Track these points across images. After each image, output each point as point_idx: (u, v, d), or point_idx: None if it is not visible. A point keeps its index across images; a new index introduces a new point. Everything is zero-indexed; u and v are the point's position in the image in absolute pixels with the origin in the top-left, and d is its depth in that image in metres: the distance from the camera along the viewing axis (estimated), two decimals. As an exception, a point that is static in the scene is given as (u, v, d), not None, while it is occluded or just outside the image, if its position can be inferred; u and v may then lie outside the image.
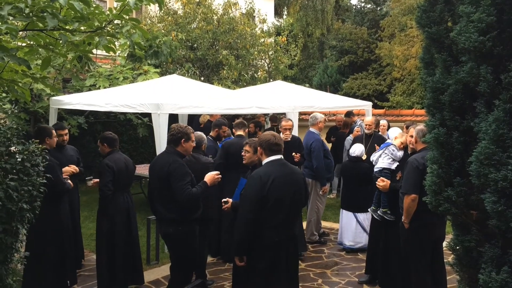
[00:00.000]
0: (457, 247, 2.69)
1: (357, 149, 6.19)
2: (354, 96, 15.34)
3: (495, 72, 2.40)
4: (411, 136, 4.59)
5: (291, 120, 6.64)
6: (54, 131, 5.04)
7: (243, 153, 4.43)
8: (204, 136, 5.23)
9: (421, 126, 4.43)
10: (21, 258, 3.27)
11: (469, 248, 2.58)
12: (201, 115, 8.93)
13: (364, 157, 6.48)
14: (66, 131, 5.56)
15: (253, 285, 3.60)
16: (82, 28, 3.20)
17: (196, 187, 4.11)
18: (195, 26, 12.66)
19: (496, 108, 2.33)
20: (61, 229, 4.83)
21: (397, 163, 5.03)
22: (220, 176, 4.40)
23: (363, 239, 6.28)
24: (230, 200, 4.13)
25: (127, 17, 3.29)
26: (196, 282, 4.12)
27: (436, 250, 4.41)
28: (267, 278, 3.55)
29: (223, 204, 4.17)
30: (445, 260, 4.36)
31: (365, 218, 6.23)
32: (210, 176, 4.30)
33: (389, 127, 8.15)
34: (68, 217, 5.03)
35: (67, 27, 3.10)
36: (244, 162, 4.43)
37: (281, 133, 6.20)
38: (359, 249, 6.30)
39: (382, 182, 4.86)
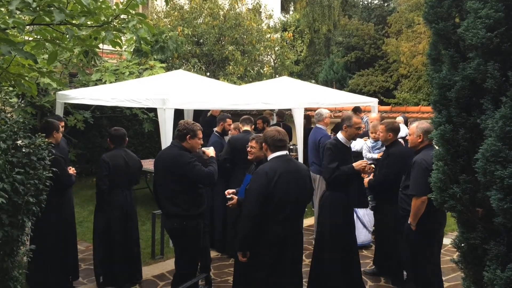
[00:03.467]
0: (462, 245, 2.68)
1: (357, 144, 6.18)
2: (360, 92, 15.27)
3: (503, 69, 2.38)
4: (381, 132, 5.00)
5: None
6: (61, 122, 5.07)
7: (248, 149, 4.43)
8: None
9: (425, 124, 4.41)
10: (27, 251, 3.30)
11: (474, 246, 2.57)
12: (209, 110, 8.93)
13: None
14: (63, 123, 5.58)
15: (257, 280, 3.61)
16: (88, 22, 3.20)
17: (211, 165, 4.30)
18: (201, 21, 12.67)
19: (503, 105, 2.31)
20: (64, 222, 4.88)
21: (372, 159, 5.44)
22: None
23: (362, 235, 6.26)
24: (235, 196, 4.11)
25: (134, 12, 3.30)
26: (201, 276, 4.13)
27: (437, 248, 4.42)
28: (271, 273, 3.56)
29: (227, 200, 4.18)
30: (449, 258, 4.35)
31: (365, 213, 6.22)
32: (211, 150, 4.59)
33: (406, 123, 8.03)
34: (71, 211, 5.07)
35: (73, 22, 3.11)
36: (249, 158, 4.43)
37: (339, 132, 4.88)
38: (362, 245, 6.28)
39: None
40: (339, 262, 4.57)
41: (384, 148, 5.39)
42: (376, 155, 5.39)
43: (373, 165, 4.88)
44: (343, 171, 4.55)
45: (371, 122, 6.67)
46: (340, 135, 4.78)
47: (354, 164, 4.61)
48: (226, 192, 4.23)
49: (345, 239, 4.64)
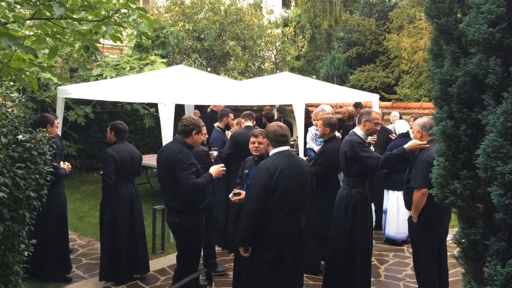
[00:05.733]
0: (463, 240, 2.68)
1: None
2: (361, 88, 15.23)
3: (504, 64, 2.37)
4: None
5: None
6: (56, 120, 5.07)
7: (256, 145, 4.40)
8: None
9: (424, 119, 4.44)
10: (27, 245, 3.30)
11: (475, 241, 2.57)
12: (208, 106, 8.92)
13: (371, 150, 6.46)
14: (58, 120, 5.57)
15: (258, 275, 3.62)
16: (89, 17, 3.20)
17: (200, 178, 4.05)
18: (202, 16, 12.65)
19: (504, 101, 2.30)
20: (52, 216, 4.92)
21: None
22: (224, 168, 4.34)
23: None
24: (243, 192, 4.05)
25: (134, 6, 3.29)
26: (201, 271, 4.14)
27: (441, 244, 4.42)
28: (273, 268, 3.57)
29: (232, 196, 4.15)
30: (450, 253, 4.37)
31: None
32: (216, 169, 4.25)
33: (401, 119, 8.05)
34: (61, 203, 5.10)
35: (74, 16, 3.10)
36: (256, 154, 4.40)
37: (357, 128, 4.76)
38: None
39: None
40: (370, 258, 4.74)
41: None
42: (316, 147, 5.59)
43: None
44: (393, 155, 4.51)
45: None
46: (359, 131, 4.67)
47: (405, 146, 4.44)
48: (231, 194, 4.19)
49: (371, 235, 4.77)
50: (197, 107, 9.40)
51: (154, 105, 9.18)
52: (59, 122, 5.64)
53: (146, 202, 8.02)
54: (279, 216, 3.55)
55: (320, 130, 5.33)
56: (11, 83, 7.22)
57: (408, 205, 4.44)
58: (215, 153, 5.47)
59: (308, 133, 6.30)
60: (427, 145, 4.28)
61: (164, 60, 9.72)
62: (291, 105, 8.89)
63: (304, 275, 4.27)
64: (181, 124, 4.23)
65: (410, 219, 4.37)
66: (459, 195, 2.58)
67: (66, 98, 7.70)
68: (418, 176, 4.14)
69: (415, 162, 4.26)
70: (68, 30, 3.03)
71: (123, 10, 3.33)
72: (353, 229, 4.54)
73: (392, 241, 6.50)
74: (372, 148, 6.54)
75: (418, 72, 15.03)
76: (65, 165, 5.07)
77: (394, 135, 6.94)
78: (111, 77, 8.44)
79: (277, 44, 13.49)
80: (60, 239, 5.08)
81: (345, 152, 4.59)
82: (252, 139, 4.46)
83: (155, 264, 5.54)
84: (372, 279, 5.23)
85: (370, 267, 4.71)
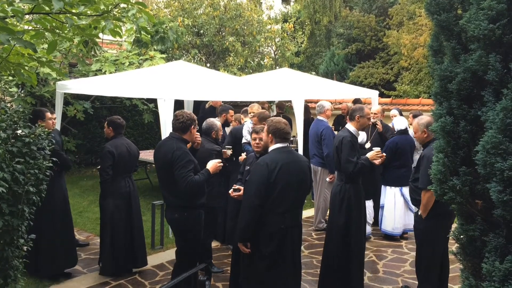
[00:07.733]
0: (461, 236, 2.68)
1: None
2: (361, 84, 15.20)
3: (504, 61, 2.37)
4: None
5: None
6: (48, 114, 5.04)
7: (257, 141, 4.39)
8: (216, 124, 5.17)
9: (425, 118, 4.44)
10: (26, 240, 3.30)
11: (473, 238, 2.57)
12: (207, 101, 8.91)
13: (367, 145, 6.48)
14: (55, 115, 5.54)
15: (257, 270, 3.63)
16: (88, 11, 3.19)
17: (198, 175, 4.04)
18: (201, 11, 12.61)
19: (504, 97, 2.30)
20: (56, 209, 4.95)
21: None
22: (222, 164, 4.32)
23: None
24: (242, 188, 4.05)
25: (133, 1, 3.28)
26: (200, 266, 4.15)
27: (446, 240, 4.44)
28: (272, 264, 3.58)
29: (231, 192, 4.15)
30: (449, 249, 4.38)
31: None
32: (213, 164, 4.21)
33: (401, 114, 8.02)
34: (63, 195, 5.11)
35: (73, 11, 3.09)
36: (259, 150, 4.39)
37: (349, 124, 4.77)
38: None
39: None
40: (364, 253, 4.76)
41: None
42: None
43: (384, 154, 4.85)
44: (363, 164, 4.56)
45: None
46: (351, 127, 4.71)
47: (368, 155, 4.63)
48: (231, 190, 4.19)
49: (365, 230, 4.80)
50: (196, 102, 9.39)
51: (153, 101, 9.16)
52: (56, 116, 5.61)
53: (145, 197, 8.04)
54: (278, 212, 3.55)
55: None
56: (10, 78, 7.20)
57: (414, 201, 4.47)
58: (229, 151, 5.40)
59: (244, 126, 6.15)
60: (384, 155, 4.74)
61: (164, 55, 9.71)
62: (290, 101, 8.89)
63: (303, 271, 4.28)
64: (177, 121, 4.17)
65: (416, 215, 4.38)
66: (458, 192, 2.59)
67: (65, 93, 7.68)
68: (427, 177, 4.10)
69: (422, 162, 4.23)
70: (67, 25, 3.03)
71: (122, 5, 3.32)
72: (347, 224, 4.56)
73: (389, 237, 6.51)
74: (368, 143, 6.57)
75: (417, 69, 15.02)
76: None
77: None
78: (110, 72, 8.43)
79: (276, 40, 13.46)
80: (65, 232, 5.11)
81: (336, 148, 4.62)
82: (254, 135, 4.45)
83: (154, 260, 5.55)
84: (370, 275, 5.26)
85: (363, 264, 4.72)
